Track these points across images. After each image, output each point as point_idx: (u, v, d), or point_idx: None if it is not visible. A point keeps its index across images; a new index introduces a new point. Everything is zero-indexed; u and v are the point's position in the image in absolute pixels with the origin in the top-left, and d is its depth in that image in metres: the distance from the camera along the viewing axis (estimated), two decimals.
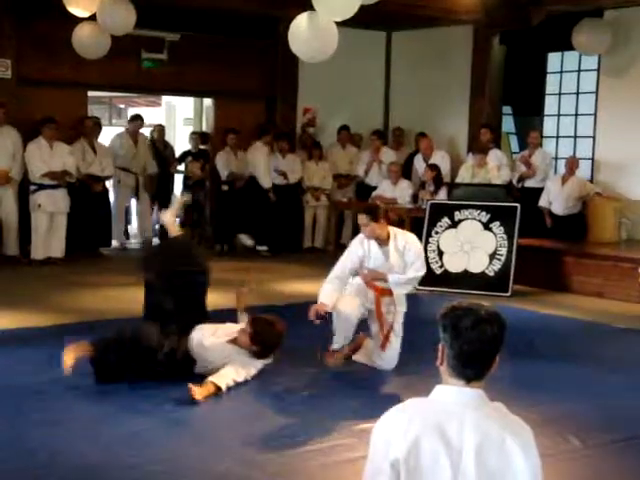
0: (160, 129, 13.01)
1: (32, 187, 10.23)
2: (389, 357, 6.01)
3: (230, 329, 5.75)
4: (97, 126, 11.48)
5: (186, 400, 5.16)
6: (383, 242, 5.96)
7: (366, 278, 6.01)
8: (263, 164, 11.70)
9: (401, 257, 5.92)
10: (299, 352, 6.40)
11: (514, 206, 9.47)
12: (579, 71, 12.20)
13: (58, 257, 10.35)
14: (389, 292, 5.99)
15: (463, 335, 2.34)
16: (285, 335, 5.74)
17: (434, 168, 11.01)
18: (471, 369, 2.36)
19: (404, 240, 5.98)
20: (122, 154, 11.74)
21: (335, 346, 6.01)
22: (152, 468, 4.17)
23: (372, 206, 6.53)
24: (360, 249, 6.01)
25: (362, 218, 5.92)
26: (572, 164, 10.86)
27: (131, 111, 21.09)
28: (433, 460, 2.27)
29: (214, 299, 7.33)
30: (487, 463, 2.27)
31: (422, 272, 6.00)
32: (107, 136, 12.33)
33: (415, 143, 12.27)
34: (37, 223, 10.22)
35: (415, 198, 11.08)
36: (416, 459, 2.27)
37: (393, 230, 6.06)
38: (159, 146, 12.67)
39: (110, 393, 5.30)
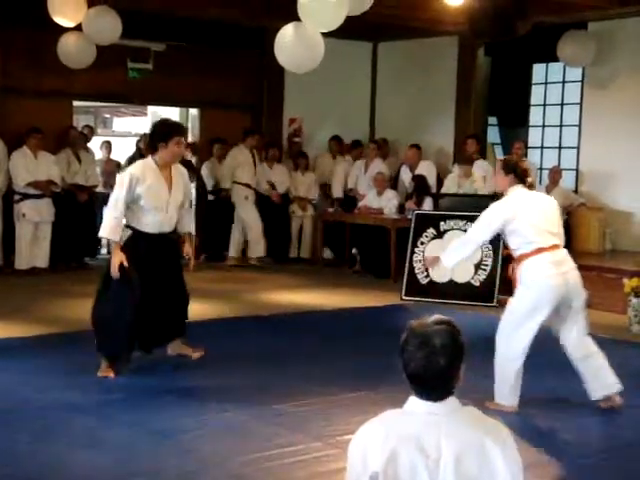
0: (147, 139, 12.97)
1: (16, 197, 10.19)
2: None
3: None
4: (82, 135, 11.46)
5: (172, 414, 5.15)
6: None
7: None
8: (340, 175, 12.08)
9: None
10: (286, 363, 6.40)
11: None
12: (564, 82, 12.27)
13: (42, 267, 10.30)
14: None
15: (414, 368, 2.34)
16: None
17: (419, 179, 11.04)
18: (429, 395, 2.36)
19: None
20: (242, 169, 11.61)
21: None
22: None
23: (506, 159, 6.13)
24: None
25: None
26: (555, 175, 10.90)
27: (117, 121, 20.83)
28: (411, 471, 2.27)
29: (198, 309, 7.33)
30: (468, 470, 2.27)
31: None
32: (93, 145, 12.28)
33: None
34: (21, 233, 10.16)
35: (402, 208, 11.10)
36: (394, 471, 2.27)
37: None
38: (145, 156, 12.62)
39: (95, 405, 5.28)
